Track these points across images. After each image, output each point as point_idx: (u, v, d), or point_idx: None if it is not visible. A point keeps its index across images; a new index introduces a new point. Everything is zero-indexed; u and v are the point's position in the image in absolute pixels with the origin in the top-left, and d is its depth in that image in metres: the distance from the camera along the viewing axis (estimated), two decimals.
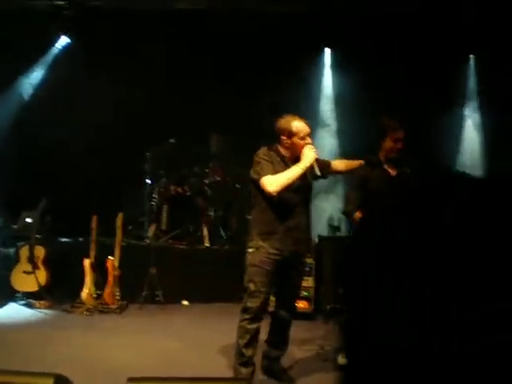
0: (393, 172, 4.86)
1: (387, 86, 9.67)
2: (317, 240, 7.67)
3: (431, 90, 9.69)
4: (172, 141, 8.60)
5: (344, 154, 9.69)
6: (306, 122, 4.68)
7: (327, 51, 10.77)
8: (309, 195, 4.75)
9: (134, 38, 9.07)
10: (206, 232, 8.41)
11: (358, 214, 4.59)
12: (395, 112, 9.61)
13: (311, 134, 4.70)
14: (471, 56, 10.96)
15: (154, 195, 8.82)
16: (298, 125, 4.57)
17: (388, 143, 4.85)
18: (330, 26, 9.62)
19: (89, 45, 9.25)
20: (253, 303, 4.40)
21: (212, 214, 8.85)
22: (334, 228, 7.83)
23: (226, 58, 9.58)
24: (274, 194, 4.37)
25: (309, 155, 4.47)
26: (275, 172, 4.43)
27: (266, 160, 4.50)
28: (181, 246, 8.27)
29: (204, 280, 7.92)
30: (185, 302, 7.86)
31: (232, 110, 9.52)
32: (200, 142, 9.18)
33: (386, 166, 4.89)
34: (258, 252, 4.44)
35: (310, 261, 7.18)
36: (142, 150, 8.67)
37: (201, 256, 8.20)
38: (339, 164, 5.09)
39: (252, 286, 4.41)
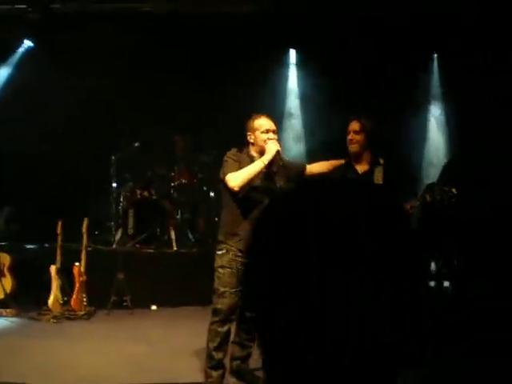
0: (361, 169, 4.82)
1: (352, 86, 9.77)
2: None
3: (396, 89, 9.80)
4: (137, 144, 8.60)
5: (311, 153, 9.79)
6: (272, 119, 4.73)
7: (292, 52, 10.86)
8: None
9: (97, 41, 9.00)
10: (173, 235, 8.38)
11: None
12: (360, 111, 9.86)
13: (276, 131, 4.71)
14: (435, 55, 11.12)
15: (120, 199, 8.78)
16: (260, 120, 4.65)
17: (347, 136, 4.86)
18: (295, 26, 9.67)
19: (52, 48, 9.20)
20: (222, 305, 4.40)
21: (179, 216, 8.84)
22: None
23: (192, 58, 9.60)
24: (237, 189, 4.38)
25: (271, 148, 4.49)
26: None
27: (233, 159, 4.53)
28: (148, 250, 8.24)
29: (172, 284, 7.90)
30: (153, 307, 7.83)
31: (198, 111, 9.53)
32: (165, 145, 9.19)
33: (353, 163, 4.85)
34: (227, 253, 4.45)
35: None
36: (107, 155, 8.63)
37: (169, 260, 8.17)
38: (315, 167, 5.02)
39: (221, 288, 4.41)
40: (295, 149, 10.25)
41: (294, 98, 10.81)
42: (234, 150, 4.65)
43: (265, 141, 4.55)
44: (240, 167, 4.48)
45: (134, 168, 8.94)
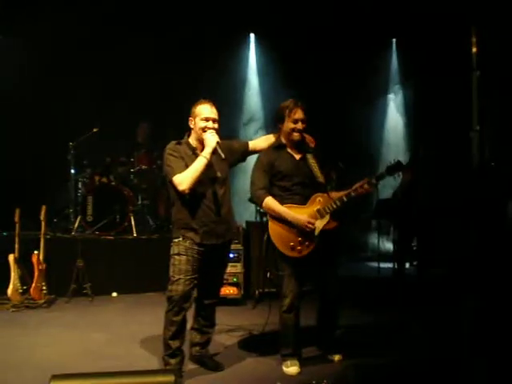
0: (297, 156, 4.81)
1: (310, 71, 9.85)
2: (244, 226, 7.78)
3: (355, 75, 9.91)
4: (95, 130, 8.54)
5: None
6: (215, 106, 4.61)
7: (252, 36, 10.90)
8: (222, 183, 4.64)
9: (55, 21, 8.91)
10: (133, 221, 8.39)
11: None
12: (319, 96, 9.96)
13: (218, 120, 4.57)
14: (393, 40, 11.27)
15: (78, 186, 8.76)
16: (201, 106, 4.56)
17: (287, 125, 4.74)
18: (254, 10, 9.70)
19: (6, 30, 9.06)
20: (176, 292, 4.37)
21: (139, 203, 8.89)
22: (261, 213, 7.90)
23: (153, 42, 9.56)
24: (187, 191, 4.35)
25: (209, 140, 4.42)
26: (187, 167, 4.40)
27: (175, 156, 4.46)
28: (108, 237, 8.23)
29: (133, 270, 7.93)
30: (114, 294, 7.86)
31: (157, 96, 9.52)
32: (125, 131, 9.18)
33: (289, 150, 4.82)
34: (184, 241, 4.44)
35: (237, 247, 7.34)
36: (65, 140, 8.58)
37: (129, 246, 8.16)
38: (259, 142, 4.99)
39: (176, 275, 4.40)
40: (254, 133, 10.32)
41: (253, 84, 10.88)
42: (172, 144, 4.58)
43: (202, 129, 4.49)
44: (184, 163, 4.43)
45: (92, 154, 8.89)
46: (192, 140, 4.60)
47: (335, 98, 9.90)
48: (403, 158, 9.78)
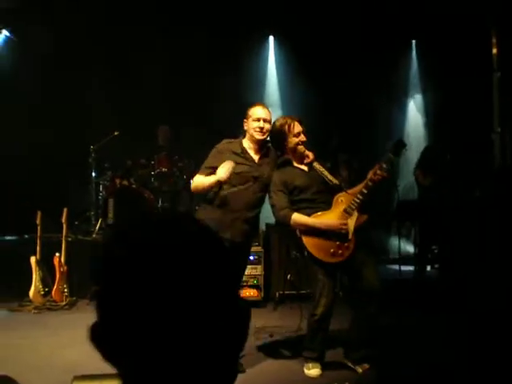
0: (305, 167, 4.89)
1: (330, 73, 9.82)
2: (264, 228, 7.74)
3: (375, 77, 9.85)
4: (116, 133, 8.58)
5: None
6: (266, 108, 4.91)
7: (271, 39, 10.90)
8: (262, 189, 4.84)
9: (71, 29, 8.98)
10: None
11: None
12: (338, 98, 9.96)
13: (269, 120, 4.85)
14: (413, 41, 11.21)
15: (99, 189, 8.80)
16: (255, 108, 4.85)
17: (291, 140, 4.81)
18: (273, 14, 9.70)
19: (25, 38, 9.13)
20: None
21: (159, 205, 8.85)
22: None
23: (172, 45, 9.60)
24: (192, 191, 4.92)
25: (219, 172, 4.63)
26: (221, 162, 4.68)
27: (216, 150, 4.82)
28: None
29: None
30: None
31: (179, 100, 9.56)
32: (145, 134, 9.20)
33: (296, 164, 4.89)
34: None
35: (258, 249, 7.35)
36: (86, 144, 8.63)
37: None
38: None
39: None
40: None
41: (273, 86, 10.90)
42: (225, 140, 4.92)
43: (254, 129, 4.77)
44: (221, 159, 4.70)
45: (113, 157, 8.92)
46: (245, 141, 4.88)
47: (355, 100, 9.86)
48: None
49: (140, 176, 8.96)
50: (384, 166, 4.56)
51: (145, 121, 9.19)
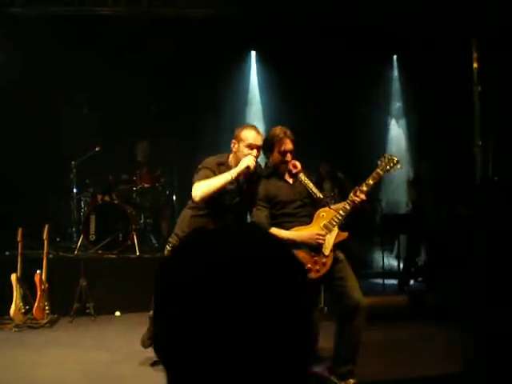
0: (290, 180, 4.81)
1: (312, 88, 9.88)
2: None
3: (356, 92, 9.92)
4: (97, 149, 8.56)
5: None
6: (260, 134, 4.74)
7: (253, 54, 10.94)
8: (247, 203, 4.79)
9: (55, 44, 8.95)
10: (136, 240, 8.36)
11: None
12: (321, 111, 10.02)
13: (260, 148, 4.69)
14: (394, 56, 11.30)
15: (80, 205, 8.77)
16: (247, 132, 4.69)
17: (276, 156, 4.71)
18: (255, 29, 9.75)
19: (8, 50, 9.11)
20: None
21: (142, 221, 8.88)
22: None
23: (151, 61, 9.65)
24: (198, 199, 4.51)
25: (244, 162, 4.52)
26: (217, 168, 4.65)
27: (207, 168, 4.65)
28: (110, 256, 8.20)
29: (136, 289, 7.83)
30: (117, 313, 7.80)
31: (159, 115, 9.63)
32: (127, 149, 9.25)
33: (281, 176, 4.81)
34: None
35: None
36: (68, 160, 8.59)
37: (132, 265, 8.11)
38: None
39: None
40: None
41: (255, 100, 10.93)
42: (213, 161, 4.73)
43: (245, 155, 4.60)
44: (216, 167, 4.66)
45: (94, 173, 8.89)
46: (232, 163, 4.73)
47: (338, 113, 9.94)
48: (406, 171, 9.83)
49: (122, 192, 8.95)
50: (364, 188, 4.52)
51: (126, 136, 9.24)
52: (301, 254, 4.48)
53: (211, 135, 9.36)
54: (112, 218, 8.42)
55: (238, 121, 10.40)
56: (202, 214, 4.77)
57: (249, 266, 0.95)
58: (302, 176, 4.76)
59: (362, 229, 8.61)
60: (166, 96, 9.66)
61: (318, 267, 4.53)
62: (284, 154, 4.68)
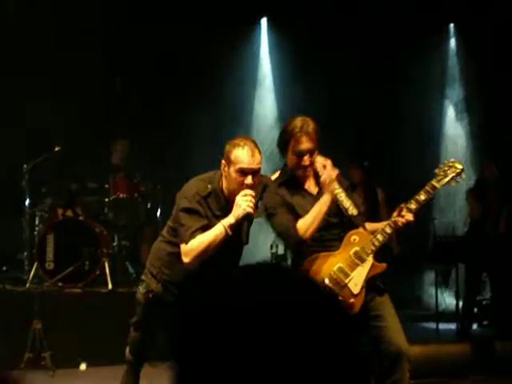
0: (314, 189, 4.75)
1: (337, 68, 9.89)
2: None
3: (400, 73, 9.91)
4: (57, 149, 8.53)
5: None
6: (257, 149, 4.49)
7: (264, 22, 10.95)
8: (239, 249, 4.81)
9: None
10: (107, 269, 8.32)
11: None
12: (348, 103, 10.00)
13: (258, 170, 4.49)
14: (451, 25, 11.23)
15: (34, 222, 8.76)
16: (239, 152, 4.41)
17: (290, 157, 4.68)
18: None
19: None
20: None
21: (115, 243, 8.87)
22: (278, 257, 8.08)
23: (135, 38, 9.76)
24: (191, 266, 4.46)
25: (240, 206, 4.34)
26: (205, 206, 4.50)
27: (194, 212, 4.48)
28: (74, 290, 8.17)
29: (108, 335, 7.81)
30: (82, 366, 7.75)
31: (140, 104, 9.79)
32: (97, 150, 9.29)
33: (301, 183, 4.76)
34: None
35: None
36: (18, 162, 8.60)
37: (102, 302, 8.12)
38: None
39: None
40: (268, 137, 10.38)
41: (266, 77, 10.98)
42: (196, 184, 4.62)
43: (237, 184, 4.42)
44: (209, 225, 4.46)
45: (53, 180, 8.92)
46: (225, 190, 4.57)
47: (374, 101, 9.95)
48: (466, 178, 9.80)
49: (89, 204, 8.97)
50: (413, 206, 4.51)
51: (97, 131, 9.32)
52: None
53: (208, 129, 9.45)
54: (76, 240, 8.39)
55: (244, 109, 10.48)
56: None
57: (299, 316, 1.10)
58: (335, 185, 4.61)
59: (408, 257, 8.60)
60: (149, 79, 9.72)
61: (352, 300, 4.50)
62: (300, 155, 4.59)
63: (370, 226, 4.72)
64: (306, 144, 4.57)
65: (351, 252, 4.57)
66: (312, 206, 4.55)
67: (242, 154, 4.39)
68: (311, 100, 9.32)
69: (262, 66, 11.11)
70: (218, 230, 4.38)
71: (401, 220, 4.49)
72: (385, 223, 4.60)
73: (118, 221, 8.94)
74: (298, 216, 4.56)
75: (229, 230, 4.37)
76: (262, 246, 8.46)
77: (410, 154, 9.85)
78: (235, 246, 4.68)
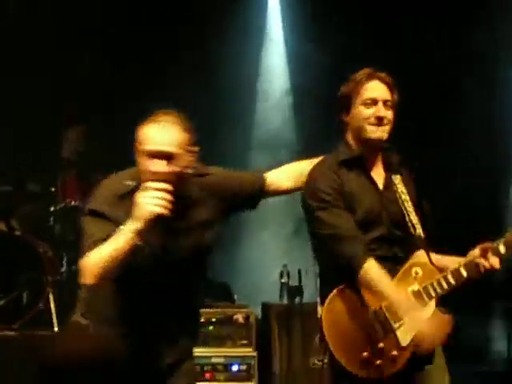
0: (379, 180, 4.41)
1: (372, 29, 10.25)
2: (260, 312, 7.88)
3: (456, 35, 10.27)
4: None
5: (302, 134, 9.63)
6: (179, 131, 4.05)
7: None
8: (188, 271, 4.28)
9: None
10: (52, 304, 8.11)
11: None
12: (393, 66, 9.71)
13: (176, 154, 3.99)
14: None
15: None
16: (148, 130, 4.04)
17: (356, 112, 4.34)
18: None
19: None
20: None
21: (64, 268, 8.72)
22: (292, 289, 7.91)
23: None
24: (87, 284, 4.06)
25: (141, 209, 3.88)
26: (119, 207, 4.10)
27: (103, 213, 4.09)
28: (8, 333, 7.97)
29: None
30: None
31: (101, 76, 10.17)
32: (40, 140, 9.44)
33: (366, 169, 4.41)
34: None
35: (247, 352, 7.61)
36: None
37: (46, 348, 7.70)
38: (289, 173, 4.62)
39: None
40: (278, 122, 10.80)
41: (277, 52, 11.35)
42: (113, 181, 4.29)
43: (145, 172, 4.01)
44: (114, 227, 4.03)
45: None
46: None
47: (419, 74, 9.91)
48: None
49: (29, 215, 8.98)
50: (502, 250, 4.17)
51: (39, 116, 9.37)
52: (358, 330, 4.16)
53: (200, 108, 9.14)
54: (10, 263, 8.40)
55: (246, 81, 10.73)
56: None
57: None
58: (399, 183, 4.43)
59: (471, 292, 8.30)
60: (120, 39, 10.14)
61: (379, 361, 4.15)
62: (370, 104, 4.32)
63: (437, 258, 4.38)
64: (380, 89, 4.38)
65: (409, 289, 4.23)
66: (376, 200, 4.36)
67: (150, 132, 4.02)
68: (337, 69, 9.09)
69: (270, 23, 11.40)
70: (122, 238, 3.90)
71: (485, 264, 4.16)
72: (458, 261, 4.27)
73: (66, 236, 8.86)
74: (355, 202, 4.33)
75: (136, 239, 3.87)
76: (269, 274, 8.36)
77: (472, 152, 9.65)
78: (173, 265, 4.17)
